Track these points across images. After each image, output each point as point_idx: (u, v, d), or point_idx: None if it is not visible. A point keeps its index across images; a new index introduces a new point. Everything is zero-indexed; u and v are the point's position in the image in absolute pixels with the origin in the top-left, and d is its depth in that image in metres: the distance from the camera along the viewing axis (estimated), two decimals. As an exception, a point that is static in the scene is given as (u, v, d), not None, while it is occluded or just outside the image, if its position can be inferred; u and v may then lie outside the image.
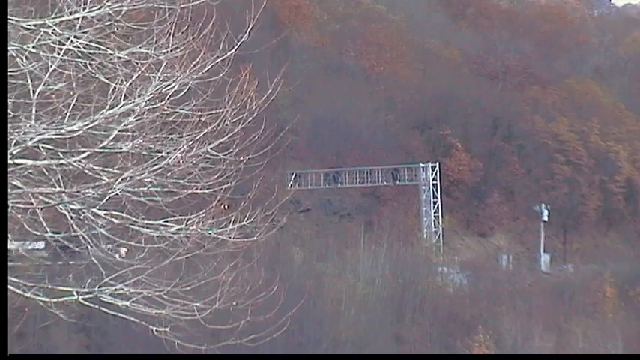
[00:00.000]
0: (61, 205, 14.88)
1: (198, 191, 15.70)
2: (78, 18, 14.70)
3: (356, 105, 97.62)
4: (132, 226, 15.40)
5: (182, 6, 15.46)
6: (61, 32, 14.63)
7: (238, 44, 15.85)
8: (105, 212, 15.04)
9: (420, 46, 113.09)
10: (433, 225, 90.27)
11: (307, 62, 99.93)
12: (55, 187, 14.75)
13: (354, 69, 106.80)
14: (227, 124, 15.42)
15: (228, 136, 15.52)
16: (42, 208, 14.96)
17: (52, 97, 15.02)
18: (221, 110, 15.46)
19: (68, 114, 14.78)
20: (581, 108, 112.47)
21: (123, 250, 16.04)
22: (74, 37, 14.73)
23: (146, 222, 15.42)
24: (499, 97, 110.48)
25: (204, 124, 15.36)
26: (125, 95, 14.88)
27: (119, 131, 14.84)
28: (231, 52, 15.77)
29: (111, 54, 15.14)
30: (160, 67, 15.22)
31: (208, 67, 15.52)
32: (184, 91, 15.64)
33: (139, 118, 14.93)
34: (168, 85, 15.24)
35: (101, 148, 14.84)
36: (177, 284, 15.46)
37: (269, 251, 67.79)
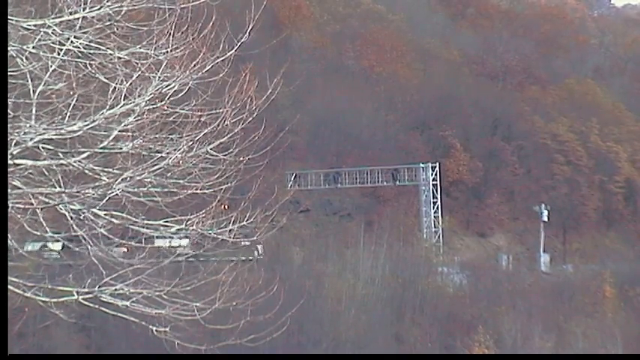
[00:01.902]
0: (61, 205, 14.88)
1: (198, 191, 15.69)
2: (78, 18, 14.70)
3: (356, 105, 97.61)
4: (132, 226, 15.40)
5: (182, 6, 15.46)
6: (61, 32, 14.63)
7: (238, 44, 15.85)
8: (105, 212, 15.04)
9: (420, 46, 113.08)
10: (433, 225, 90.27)
11: (307, 62, 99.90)
12: (55, 187, 14.74)
13: (354, 69, 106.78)
14: (227, 124, 15.41)
15: (228, 136, 15.51)
16: (42, 208, 14.95)
17: (52, 97, 15.02)
18: (221, 110, 15.46)
19: (68, 114, 14.78)
20: (581, 108, 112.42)
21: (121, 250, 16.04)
22: (74, 37, 14.73)
23: (146, 222, 15.42)
24: (499, 97, 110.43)
25: (204, 124, 15.35)
26: (125, 95, 14.87)
27: (119, 131, 14.83)
28: (231, 52, 15.76)
29: (111, 54, 15.13)
30: (160, 67, 15.21)
31: (208, 67, 15.52)
32: (184, 91, 15.63)
33: (139, 118, 14.93)
34: (168, 85, 15.23)
35: (101, 148, 14.84)
36: (177, 284, 15.45)
37: (269, 251, 68.04)
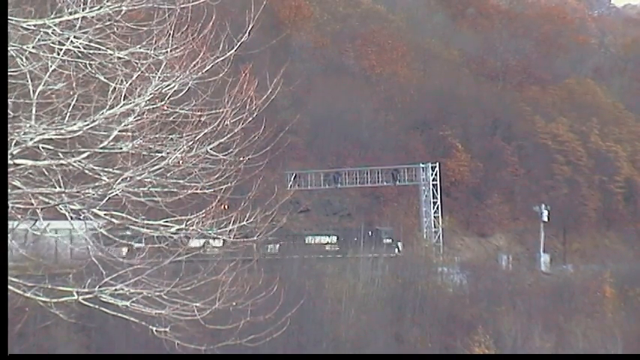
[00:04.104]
0: (61, 205, 14.87)
1: (198, 191, 15.67)
2: (78, 18, 14.69)
3: (356, 105, 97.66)
4: (132, 226, 15.39)
5: (182, 6, 15.43)
6: (60, 32, 14.61)
7: (238, 44, 15.83)
8: (105, 212, 15.03)
9: (420, 46, 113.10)
10: (433, 225, 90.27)
11: (307, 62, 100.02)
12: (55, 187, 14.73)
13: (354, 69, 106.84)
14: (227, 124, 15.39)
15: (228, 136, 15.49)
16: (42, 208, 14.94)
17: (52, 97, 15.00)
18: (221, 110, 15.44)
19: (68, 114, 14.77)
20: (581, 108, 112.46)
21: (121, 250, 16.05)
22: (74, 37, 14.71)
23: (146, 222, 15.40)
24: (499, 97, 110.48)
25: (204, 124, 15.33)
26: (125, 95, 14.85)
27: (119, 131, 14.82)
28: (231, 52, 15.74)
29: (111, 54, 15.11)
30: (160, 67, 15.19)
31: (208, 67, 15.49)
32: (184, 91, 15.61)
33: (139, 118, 14.91)
34: (168, 85, 15.21)
35: (101, 148, 14.82)
36: (177, 284, 15.44)
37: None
